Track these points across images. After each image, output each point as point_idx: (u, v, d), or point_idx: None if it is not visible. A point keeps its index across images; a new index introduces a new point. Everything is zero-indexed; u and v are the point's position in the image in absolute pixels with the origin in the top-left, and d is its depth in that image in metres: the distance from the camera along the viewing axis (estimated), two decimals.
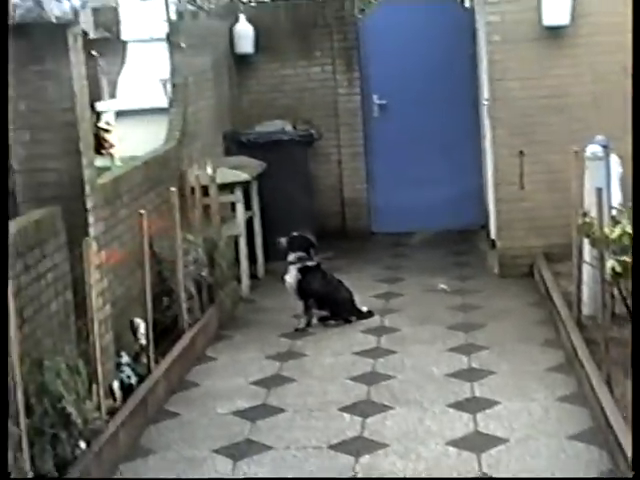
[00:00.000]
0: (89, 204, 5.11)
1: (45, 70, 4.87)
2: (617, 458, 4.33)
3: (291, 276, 6.90)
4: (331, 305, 6.92)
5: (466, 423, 5.04)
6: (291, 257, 6.91)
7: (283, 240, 6.93)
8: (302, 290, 6.88)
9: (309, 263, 6.90)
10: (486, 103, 8.20)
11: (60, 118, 4.95)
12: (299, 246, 6.91)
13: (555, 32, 7.50)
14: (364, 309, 7.03)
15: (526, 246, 7.70)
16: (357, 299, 7.07)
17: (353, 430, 5.05)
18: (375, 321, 6.94)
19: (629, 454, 4.09)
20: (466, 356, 6.08)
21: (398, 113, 9.51)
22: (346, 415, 5.25)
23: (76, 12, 4.81)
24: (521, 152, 7.61)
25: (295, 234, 6.95)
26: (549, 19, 7.45)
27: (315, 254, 7.00)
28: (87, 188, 5.07)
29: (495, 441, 4.80)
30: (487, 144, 8.45)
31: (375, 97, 9.56)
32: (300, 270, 6.88)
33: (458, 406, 5.28)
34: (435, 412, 5.22)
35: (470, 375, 5.75)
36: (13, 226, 4.59)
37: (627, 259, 5.30)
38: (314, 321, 6.91)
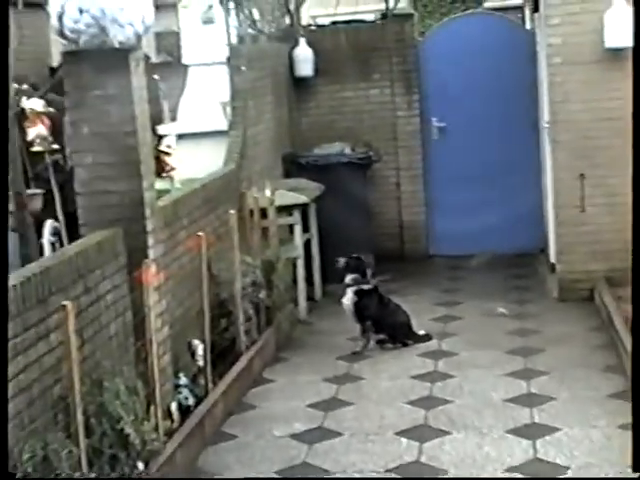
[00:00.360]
0: (149, 226, 5.15)
1: (107, 94, 4.93)
2: None
3: (348, 298, 6.90)
4: (388, 328, 6.89)
5: (525, 449, 4.97)
6: (347, 279, 6.91)
7: (342, 260, 6.94)
8: (359, 313, 6.87)
9: (365, 286, 6.88)
10: (547, 126, 8.13)
11: (122, 141, 5.00)
12: (355, 268, 6.90)
13: (617, 54, 7.42)
14: (421, 332, 6.99)
15: (587, 270, 7.60)
16: (415, 322, 7.03)
17: (410, 455, 5.01)
18: (433, 345, 6.90)
19: None
20: (525, 381, 6.00)
21: (457, 136, 9.47)
22: (403, 439, 5.22)
23: (139, 37, 4.88)
24: (582, 175, 7.53)
25: (354, 256, 6.95)
26: (611, 41, 7.38)
27: (373, 277, 6.98)
28: (147, 210, 5.12)
29: (556, 469, 4.73)
30: (547, 167, 8.37)
31: (434, 120, 9.54)
32: (356, 293, 6.87)
33: (517, 432, 5.21)
34: (494, 438, 5.16)
35: (529, 400, 5.67)
36: (74, 248, 4.66)
37: None
38: (372, 344, 6.89)
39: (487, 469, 4.77)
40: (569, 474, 4.64)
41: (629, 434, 5.04)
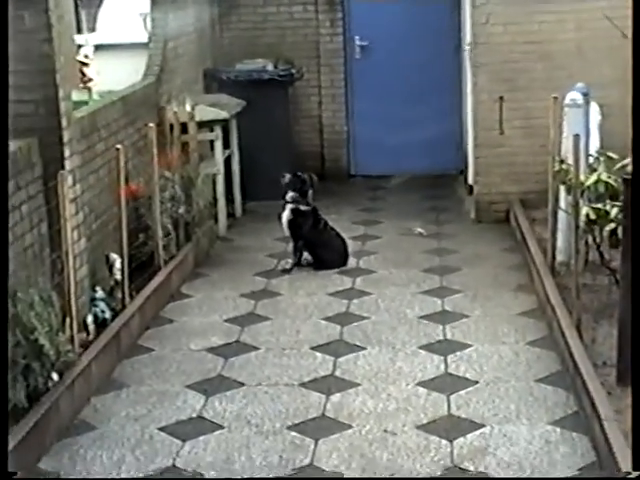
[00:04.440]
0: (65, 137, 5.07)
1: None
2: (583, 401, 4.40)
3: (285, 215, 6.87)
4: (319, 253, 6.88)
5: (437, 365, 5.10)
6: (288, 196, 6.87)
7: (287, 176, 6.88)
8: (292, 231, 6.85)
9: (302, 207, 6.84)
10: (468, 48, 8.16)
11: (37, 49, 4.89)
12: (295, 186, 6.86)
13: None
14: None
15: (503, 192, 7.73)
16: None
17: (325, 369, 5.10)
18: (350, 263, 6.97)
19: (595, 397, 4.16)
20: (440, 299, 6.12)
21: (380, 55, 9.45)
22: (318, 354, 5.30)
23: None
24: (501, 98, 7.60)
25: (298, 174, 6.91)
26: None
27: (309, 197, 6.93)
28: (63, 121, 5.03)
29: (465, 383, 4.86)
30: (468, 89, 8.42)
31: (357, 38, 9.49)
32: (292, 211, 6.85)
33: (430, 348, 5.33)
34: (407, 353, 5.27)
35: (443, 318, 5.80)
36: None
37: (601, 206, 5.34)
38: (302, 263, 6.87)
39: (399, 383, 4.88)
40: (477, 388, 4.78)
41: (537, 350, 5.22)
